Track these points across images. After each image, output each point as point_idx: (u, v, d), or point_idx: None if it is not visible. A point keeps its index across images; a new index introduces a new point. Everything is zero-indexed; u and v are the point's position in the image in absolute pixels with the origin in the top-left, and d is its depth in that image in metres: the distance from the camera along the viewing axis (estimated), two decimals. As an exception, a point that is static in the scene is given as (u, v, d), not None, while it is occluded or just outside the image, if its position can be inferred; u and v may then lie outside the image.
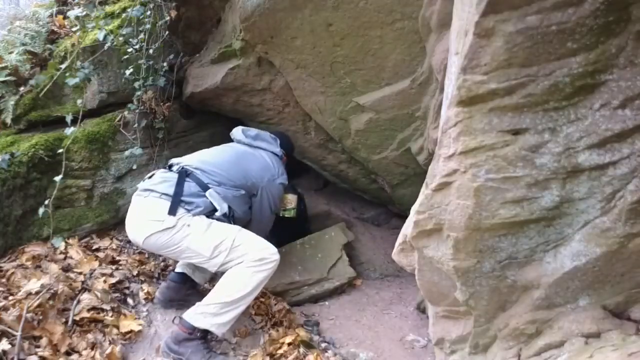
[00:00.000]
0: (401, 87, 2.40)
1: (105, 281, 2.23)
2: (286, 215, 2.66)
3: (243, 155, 2.37)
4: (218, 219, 2.09)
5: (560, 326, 1.37)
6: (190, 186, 2.07)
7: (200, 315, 1.93)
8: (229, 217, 2.16)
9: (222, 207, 2.09)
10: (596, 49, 1.08)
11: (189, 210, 2.02)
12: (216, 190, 2.11)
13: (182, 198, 2.02)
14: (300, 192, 2.97)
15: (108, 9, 2.98)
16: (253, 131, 2.55)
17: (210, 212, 2.08)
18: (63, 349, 1.78)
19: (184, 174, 2.11)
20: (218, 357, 1.98)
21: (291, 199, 2.68)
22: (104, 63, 2.81)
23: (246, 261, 1.97)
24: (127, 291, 2.30)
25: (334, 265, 2.91)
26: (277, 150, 2.54)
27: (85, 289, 2.14)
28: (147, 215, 2.01)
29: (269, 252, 2.03)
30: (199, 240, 1.99)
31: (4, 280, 2.04)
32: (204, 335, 1.97)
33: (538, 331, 1.41)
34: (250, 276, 1.96)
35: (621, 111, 1.12)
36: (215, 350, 2.05)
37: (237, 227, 2.09)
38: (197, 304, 1.98)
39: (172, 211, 1.98)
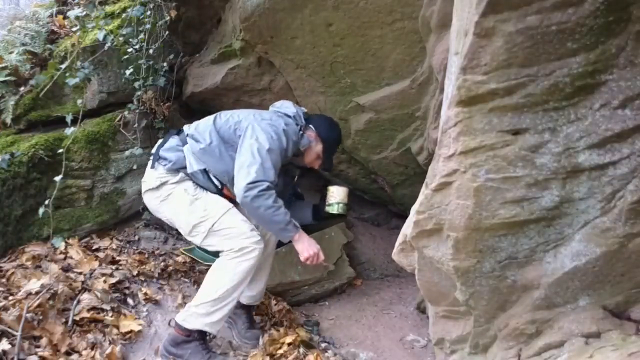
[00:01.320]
0: (401, 87, 2.40)
1: (105, 281, 2.22)
2: (330, 212, 2.28)
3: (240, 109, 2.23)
4: (194, 176, 2.01)
5: (560, 326, 1.37)
6: (172, 141, 2.10)
7: (191, 317, 1.91)
8: (206, 176, 2.02)
9: (191, 164, 1.99)
10: (596, 49, 1.07)
11: (164, 166, 2.04)
12: (190, 144, 2.03)
13: (160, 153, 2.07)
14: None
15: (108, 9, 2.98)
16: (279, 102, 2.31)
17: (182, 168, 2.01)
18: (63, 349, 1.78)
19: (174, 132, 2.16)
20: (218, 357, 1.98)
21: (335, 192, 2.28)
22: (104, 63, 2.81)
23: (226, 252, 1.92)
24: (127, 291, 2.29)
25: (334, 265, 2.91)
26: (292, 111, 2.16)
27: (85, 289, 2.14)
28: (143, 176, 2.15)
29: (250, 241, 1.92)
30: (180, 214, 2.03)
31: (4, 280, 2.04)
32: (202, 336, 1.96)
33: (538, 331, 1.41)
34: (234, 268, 1.90)
35: (621, 111, 1.12)
36: (215, 350, 2.05)
37: (223, 209, 1.99)
38: (187, 305, 1.96)
39: (152, 165, 2.08)
